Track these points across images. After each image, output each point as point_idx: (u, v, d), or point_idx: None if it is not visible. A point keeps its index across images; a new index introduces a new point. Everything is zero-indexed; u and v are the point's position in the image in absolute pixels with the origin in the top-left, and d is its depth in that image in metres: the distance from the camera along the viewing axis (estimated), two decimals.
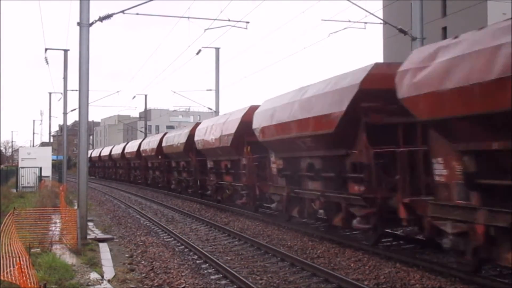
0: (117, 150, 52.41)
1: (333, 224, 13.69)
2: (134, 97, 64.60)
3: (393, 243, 13.13)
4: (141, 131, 70.57)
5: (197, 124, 27.30)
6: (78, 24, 15.42)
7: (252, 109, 19.00)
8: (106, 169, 61.60)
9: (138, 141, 44.79)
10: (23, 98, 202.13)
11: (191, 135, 26.87)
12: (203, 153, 25.06)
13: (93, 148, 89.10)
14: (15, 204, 20.57)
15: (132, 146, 45.54)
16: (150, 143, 38.17)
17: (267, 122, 16.49)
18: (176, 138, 30.07)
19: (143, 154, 39.87)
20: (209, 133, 23.28)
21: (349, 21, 19.93)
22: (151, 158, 37.83)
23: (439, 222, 9.41)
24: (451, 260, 10.35)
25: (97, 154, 65.02)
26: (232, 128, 20.53)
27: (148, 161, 39.65)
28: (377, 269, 10.37)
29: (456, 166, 9.07)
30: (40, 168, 36.29)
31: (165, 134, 35.24)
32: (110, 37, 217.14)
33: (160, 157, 34.77)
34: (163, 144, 33.28)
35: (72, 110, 42.83)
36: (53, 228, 15.14)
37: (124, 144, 52.44)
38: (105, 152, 59.75)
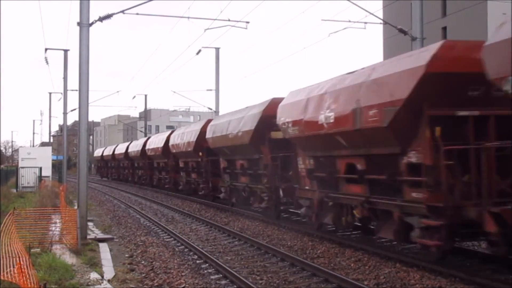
0: (135, 146, 44.08)
1: None
2: (134, 97, 64.85)
3: None
4: (141, 131, 70.71)
5: (275, 101, 17.30)
6: (78, 24, 15.44)
7: (446, 47, 9.72)
8: (121, 169, 52.98)
9: (165, 134, 35.88)
10: (23, 98, 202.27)
11: (265, 117, 17.56)
12: (295, 145, 15.52)
13: (93, 148, 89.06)
14: (15, 204, 20.59)
15: (155, 141, 37.08)
16: (184, 135, 29.02)
17: None
18: (234, 124, 20.18)
19: (173, 151, 31.22)
20: (314, 108, 13.51)
21: (349, 21, 19.98)
22: (184, 155, 29.23)
23: None
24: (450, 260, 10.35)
25: (110, 152, 56.42)
26: (395, 92, 10.29)
27: (179, 160, 31.07)
28: (377, 269, 10.37)
29: None
30: (40, 168, 36.30)
31: (208, 121, 25.88)
32: (110, 37, 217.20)
33: (201, 154, 25.92)
34: (208, 135, 23.75)
35: (72, 110, 42.62)
36: (53, 228, 15.15)
37: (144, 139, 43.14)
38: (121, 149, 50.73)
